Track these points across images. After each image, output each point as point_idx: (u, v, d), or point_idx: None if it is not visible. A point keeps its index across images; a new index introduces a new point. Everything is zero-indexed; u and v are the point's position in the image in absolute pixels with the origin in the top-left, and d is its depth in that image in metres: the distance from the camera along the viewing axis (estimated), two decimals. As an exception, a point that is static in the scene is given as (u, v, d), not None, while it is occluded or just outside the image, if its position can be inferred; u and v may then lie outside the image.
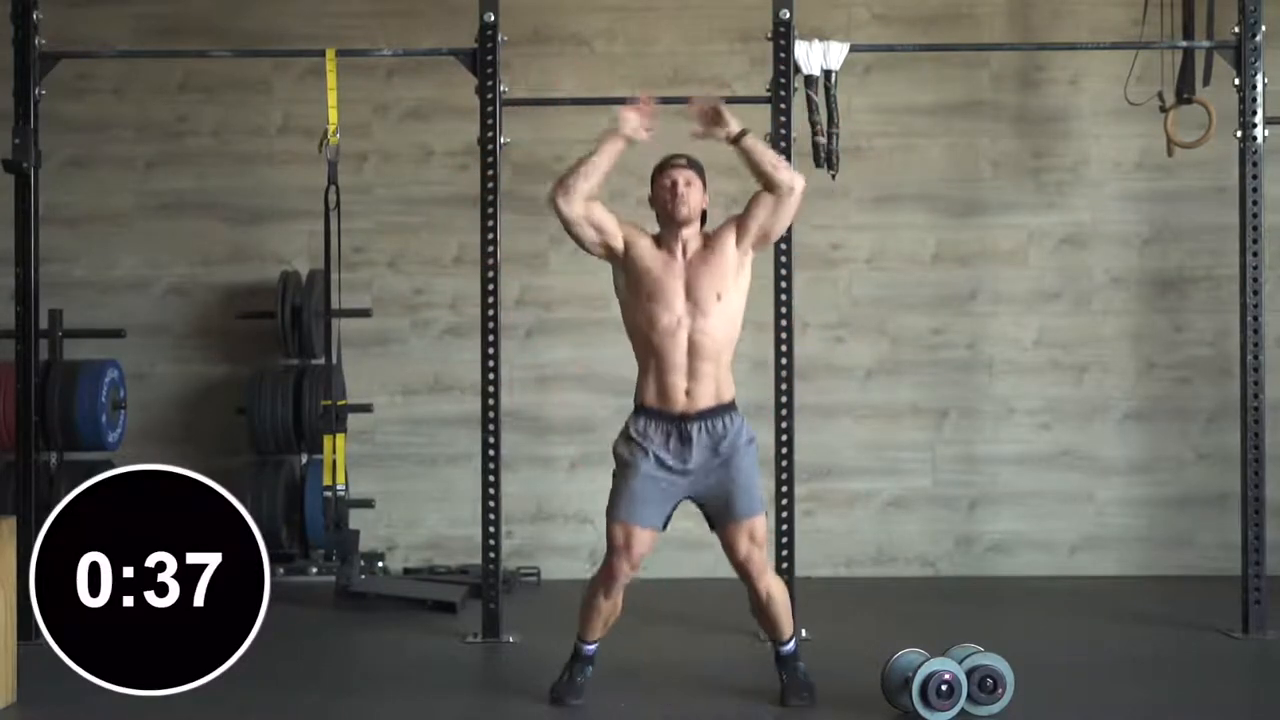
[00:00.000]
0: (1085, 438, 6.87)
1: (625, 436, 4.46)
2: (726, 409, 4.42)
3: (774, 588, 4.52)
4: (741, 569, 4.46)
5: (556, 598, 6.34)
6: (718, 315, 4.39)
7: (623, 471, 4.44)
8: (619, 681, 4.76)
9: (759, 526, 4.44)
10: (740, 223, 4.47)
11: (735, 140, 4.43)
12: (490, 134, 5.51)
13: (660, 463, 4.38)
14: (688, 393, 4.38)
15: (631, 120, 4.44)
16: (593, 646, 4.57)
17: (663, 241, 4.48)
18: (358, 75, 6.54)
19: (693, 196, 4.44)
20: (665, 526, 4.48)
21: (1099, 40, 6.64)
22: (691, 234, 4.46)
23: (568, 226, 4.46)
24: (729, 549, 4.45)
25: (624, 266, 4.47)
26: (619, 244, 4.46)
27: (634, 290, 4.45)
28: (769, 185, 4.45)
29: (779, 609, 4.54)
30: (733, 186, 6.66)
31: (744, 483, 4.40)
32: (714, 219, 4.60)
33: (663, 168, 4.49)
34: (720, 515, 4.43)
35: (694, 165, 4.49)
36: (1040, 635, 5.57)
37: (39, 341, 5.69)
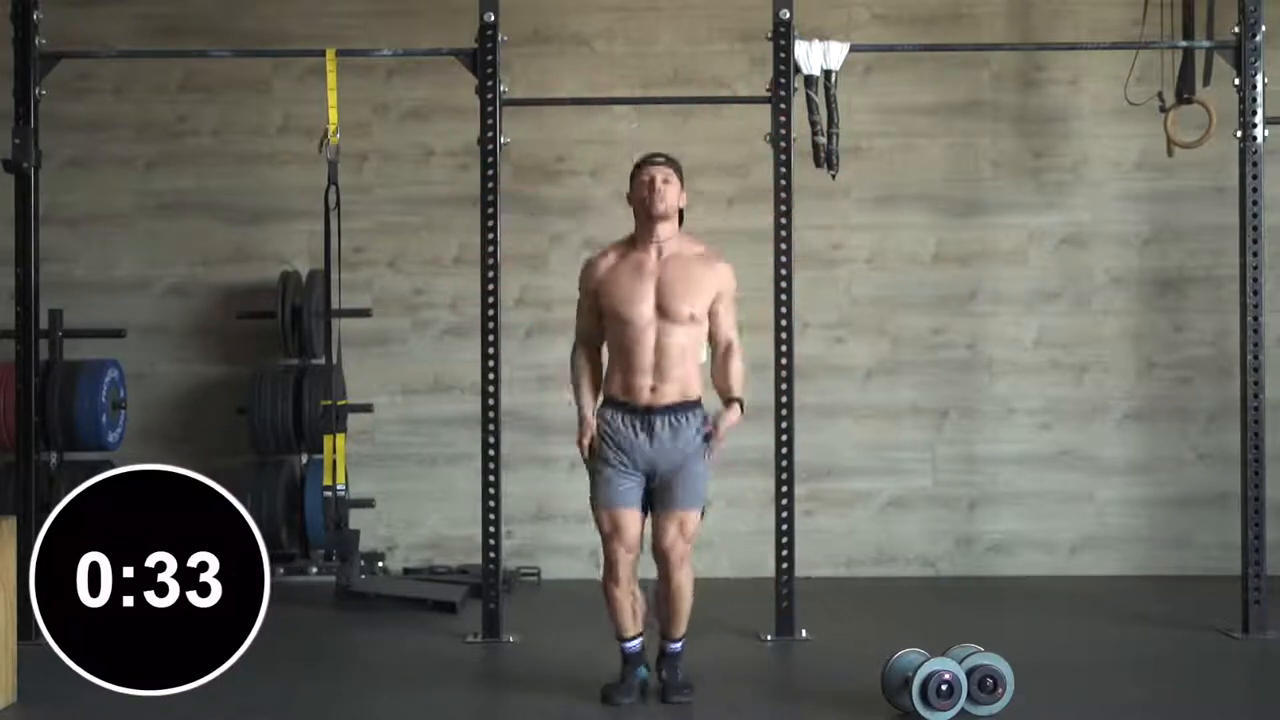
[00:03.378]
0: (1085, 438, 6.87)
1: (596, 428, 4.56)
2: (692, 405, 4.52)
3: (686, 584, 4.58)
4: (663, 556, 4.53)
5: (556, 598, 6.35)
6: (687, 325, 4.50)
7: (596, 462, 4.54)
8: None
9: (691, 521, 4.53)
10: (713, 304, 4.55)
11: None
12: (490, 134, 5.51)
13: (627, 447, 4.47)
14: (653, 390, 4.49)
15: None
16: (634, 644, 4.61)
17: (637, 242, 4.57)
18: (358, 75, 6.54)
19: (670, 193, 4.53)
20: (645, 509, 4.55)
21: (1099, 40, 6.64)
22: (669, 232, 4.55)
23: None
24: (657, 533, 4.53)
25: (601, 300, 4.58)
26: (599, 303, 4.58)
27: (607, 303, 4.55)
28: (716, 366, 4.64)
29: (683, 605, 4.60)
30: (730, 187, 6.73)
31: (690, 475, 4.50)
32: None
33: (641, 165, 4.59)
34: (660, 500, 4.52)
35: (672, 163, 4.59)
36: (1040, 635, 5.57)
37: (39, 341, 5.69)
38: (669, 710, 4.54)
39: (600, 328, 4.61)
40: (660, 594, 4.61)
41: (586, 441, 4.54)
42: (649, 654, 4.64)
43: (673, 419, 4.47)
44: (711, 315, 4.55)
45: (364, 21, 6.79)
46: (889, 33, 6.79)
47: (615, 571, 4.52)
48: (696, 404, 4.52)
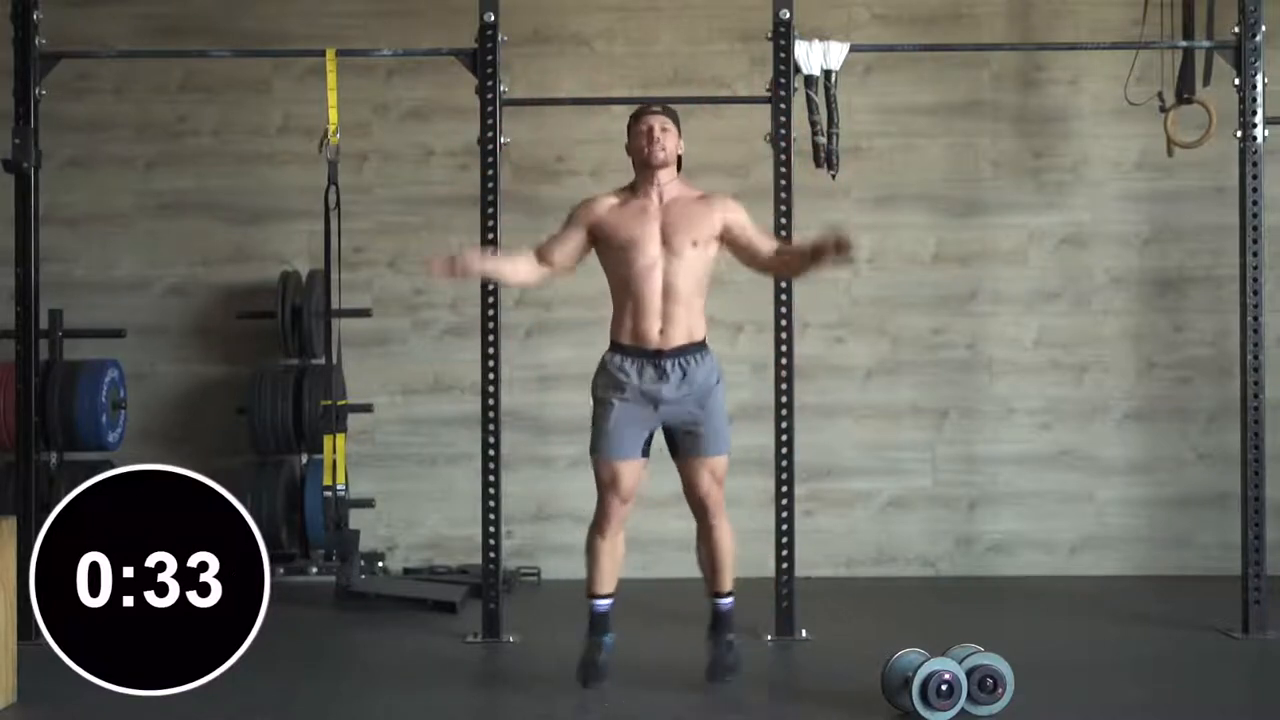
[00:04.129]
0: (1085, 438, 6.87)
1: (602, 371, 4.60)
2: (699, 346, 4.56)
3: (727, 532, 4.67)
4: (699, 505, 4.61)
5: (556, 598, 6.34)
6: (692, 259, 4.53)
7: (600, 408, 4.58)
8: (619, 680, 4.76)
9: (721, 466, 4.61)
10: (730, 230, 4.60)
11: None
12: (490, 134, 5.51)
13: (636, 393, 4.51)
14: (662, 332, 4.53)
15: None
16: (605, 602, 4.65)
17: (638, 189, 4.62)
18: (358, 75, 6.55)
19: (668, 141, 4.59)
20: (646, 454, 4.59)
21: (1099, 40, 6.64)
22: (667, 177, 4.61)
23: (559, 276, 4.74)
24: (690, 484, 4.60)
25: (600, 240, 4.62)
26: (586, 237, 4.62)
27: (610, 242, 4.59)
28: (766, 266, 4.68)
29: (725, 554, 4.68)
30: (730, 187, 6.70)
31: (715, 421, 4.57)
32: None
33: (639, 115, 4.67)
34: (688, 449, 4.58)
35: (669, 113, 4.66)
36: (1040, 635, 5.57)
37: (39, 341, 5.69)
38: (668, 708, 4.54)
39: (567, 257, 4.62)
40: (702, 544, 4.68)
41: (451, 263, 4.52)
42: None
43: (682, 360, 4.52)
44: (740, 244, 4.58)
45: (364, 21, 6.79)
46: (889, 33, 6.79)
47: (606, 523, 4.59)
48: (703, 345, 4.56)
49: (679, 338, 4.52)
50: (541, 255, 4.67)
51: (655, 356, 4.51)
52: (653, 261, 4.51)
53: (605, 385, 4.56)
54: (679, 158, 4.65)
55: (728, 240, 4.62)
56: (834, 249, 4.36)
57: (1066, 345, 6.88)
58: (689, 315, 4.53)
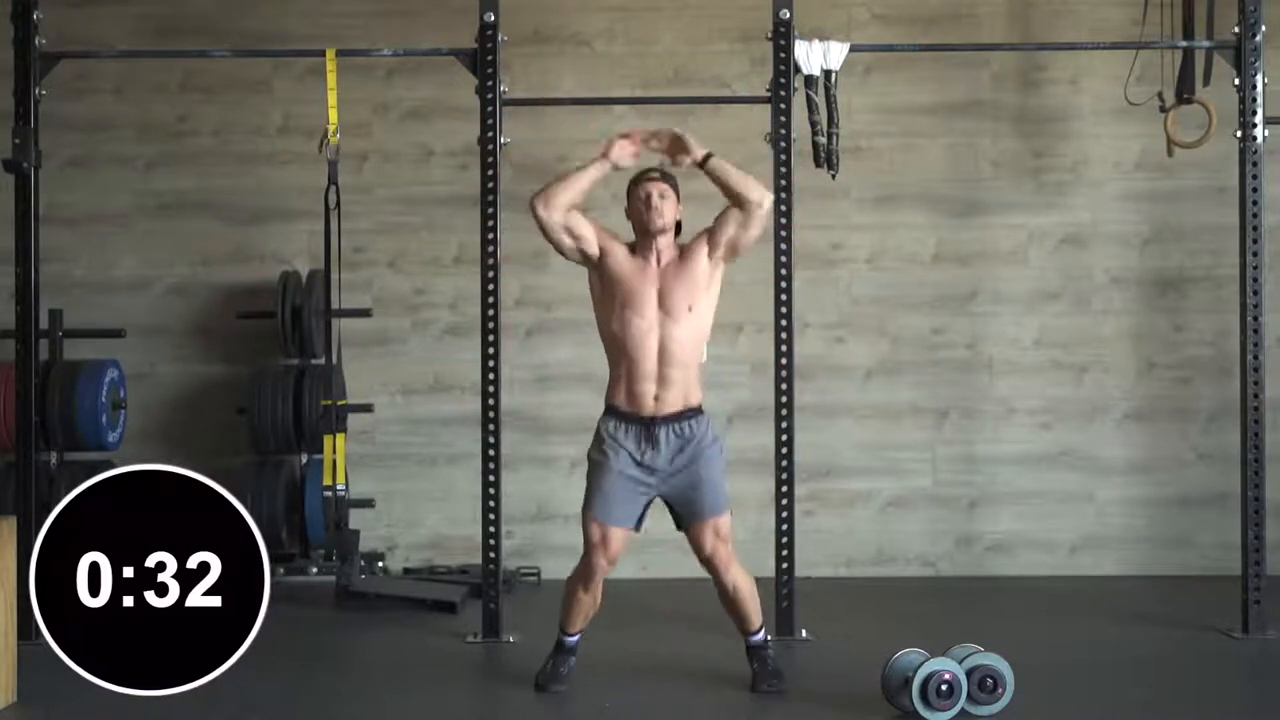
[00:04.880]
0: (1085, 438, 6.87)
1: (597, 437, 4.62)
2: (694, 412, 4.58)
3: (740, 580, 4.66)
4: (708, 564, 4.63)
5: (556, 598, 6.32)
6: (688, 324, 4.56)
7: (595, 471, 4.60)
8: (619, 680, 4.77)
9: (724, 524, 4.62)
10: (711, 236, 4.62)
11: (702, 164, 4.58)
12: (490, 134, 5.51)
13: (631, 461, 4.53)
14: (656, 398, 4.55)
15: (623, 149, 4.63)
16: (575, 638, 4.74)
17: (638, 250, 4.64)
18: (358, 75, 6.55)
19: (667, 209, 4.60)
20: (639, 527, 4.63)
21: (1099, 40, 6.64)
22: (666, 244, 4.63)
23: (545, 232, 4.61)
24: (696, 546, 4.62)
25: (599, 272, 4.64)
26: (594, 250, 4.62)
27: (608, 296, 4.61)
28: (738, 203, 4.60)
29: (746, 600, 4.69)
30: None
31: (710, 482, 4.58)
32: (695, 221, 4.66)
33: (638, 180, 4.66)
34: (687, 514, 4.60)
35: (668, 178, 4.66)
36: (1040, 635, 5.57)
37: (39, 341, 5.69)
38: (668, 708, 4.54)
39: (576, 232, 4.58)
40: (722, 598, 4.70)
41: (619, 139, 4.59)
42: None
43: (676, 427, 4.54)
44: (729, 232, 4.56)
45: (364, 21, 6.79)
46: (889, 33, 6.79)
47: (590, 580, 4.63)
48: (698, 410, 4.58)
49: (674, 404, 4.54)
50: (569, 206, 4.57)
51: (649, 423, 4.53)
52: (650, 325, 4.53)
53: (600, 451, 4.58)
54: (678, 223, 4.65)
55: (722, 244, 4.60)
56: (675, 149, 4.57)
57: (1066, 345, 6.88)
58: (685, 378, 4.55)
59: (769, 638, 4.82)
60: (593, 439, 4.64)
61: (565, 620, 4.73)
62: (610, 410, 4.60)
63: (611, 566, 4.62)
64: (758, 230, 4.64)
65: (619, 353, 4.58)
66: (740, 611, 4.71)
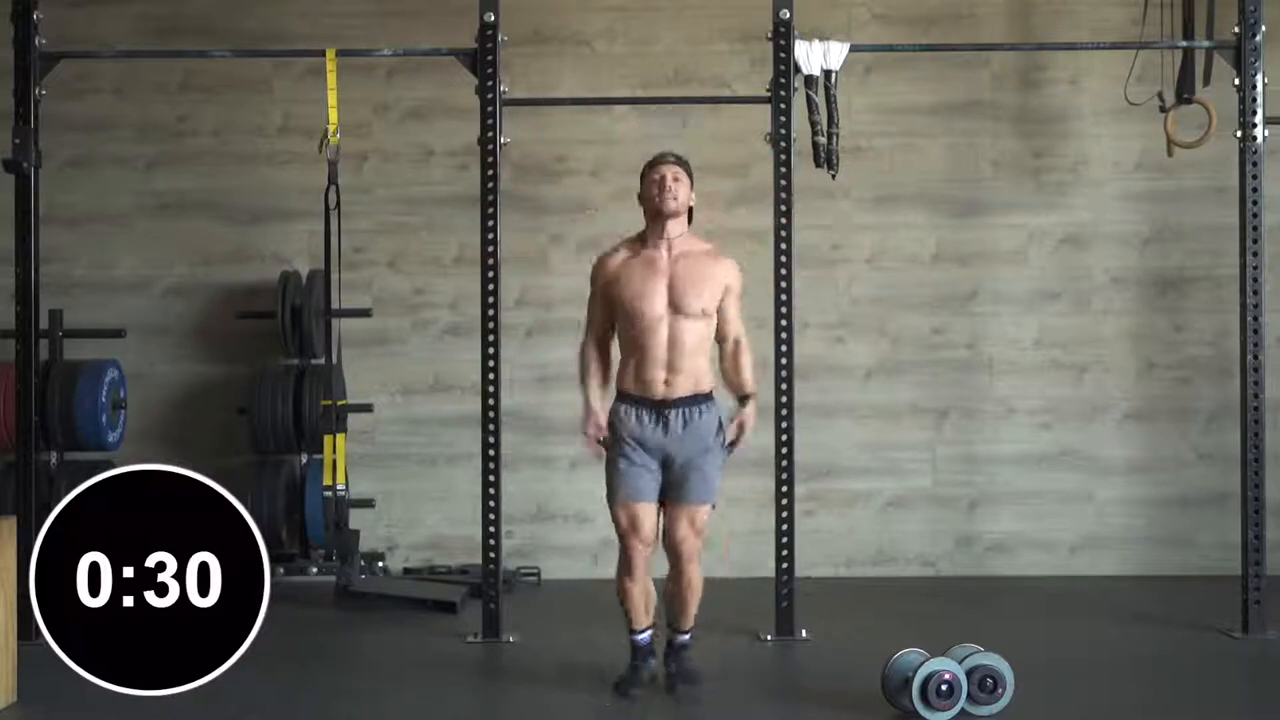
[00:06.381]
0: (1085, 438, 6.87)
1: (610, 427, 4.61)
2: (704, 398, 4.58)
3: (695, 577, 4.66)
4: (674, 550, 4.61)
5: (556, 598, 6.35)
6: (698, 319, 4.56)
7: (612, 458, 4.59)
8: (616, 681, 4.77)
9: (701, 515, 4.60)
10: (724, 297, 4.62)
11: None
12: (490, 134, 5.51)
13: (641, 441, 4.53)
14: (666, 383, 4.55)
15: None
16: (644, 635, 4.68)
17: (648, 239, 4.63)
18: (358, 75, 6.55)
19: (680, 191, 4.60)
20: (661, 502, 4.60)
21: (1099, 40, 6.63)
22: (677, 230, 4.62)
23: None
24: (669, 527, 4.60)
25: (613, 297, 4.63)
26: (610, 298, 4.63)
27: (621, 300, 4.60)
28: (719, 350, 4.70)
29: (691, 598, 4.68)
30: (730, 187, 6.72)
31: (704, 472, 4.57)
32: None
33: (652, 164, 4.67)
34: (673, 494, 4.58)
35: (681, 162, 4.66)
36: (1040, 635, 5.57)
37: (39, 341, 5.69)
38: (669, 709, 4.54)
39: (610, 322, 4.66)
40: (670, 587, 4.67)
41: (591, 432, 4.59)
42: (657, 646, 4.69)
43: (686, 411, 4.54)
44: (720, 312, 4.62)
45: (364, 21, 6.79)
46: (889, 33, 6.79)
47: (632, 567, 4.60)
48: (709, 396, 4.58)
49: (684, 388, 4.54)
50: (601, 343, 4.68)
51: (660, 406, 4.53)
52: (660, 319, 4.54)
53: (615, 438, 4.58)
54: (690, 210, 4.66)
55: (720, 310, 4.64)
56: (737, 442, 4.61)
57: (1066, 345, 6.88)
58: (695, 365, 4.56)
59: (691, 639, 4.74)
60: (608, 429, 4.60)
61: (628, 619, 4.69)
62: (621, 395, 4.60)
63: (648, 548, 4.58)
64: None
65: (630, 341, 4.59)
66: (682, 607, 4.68)
